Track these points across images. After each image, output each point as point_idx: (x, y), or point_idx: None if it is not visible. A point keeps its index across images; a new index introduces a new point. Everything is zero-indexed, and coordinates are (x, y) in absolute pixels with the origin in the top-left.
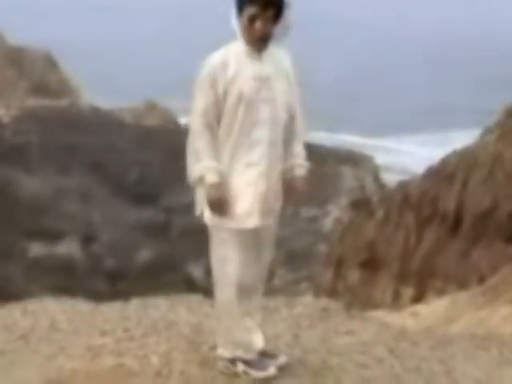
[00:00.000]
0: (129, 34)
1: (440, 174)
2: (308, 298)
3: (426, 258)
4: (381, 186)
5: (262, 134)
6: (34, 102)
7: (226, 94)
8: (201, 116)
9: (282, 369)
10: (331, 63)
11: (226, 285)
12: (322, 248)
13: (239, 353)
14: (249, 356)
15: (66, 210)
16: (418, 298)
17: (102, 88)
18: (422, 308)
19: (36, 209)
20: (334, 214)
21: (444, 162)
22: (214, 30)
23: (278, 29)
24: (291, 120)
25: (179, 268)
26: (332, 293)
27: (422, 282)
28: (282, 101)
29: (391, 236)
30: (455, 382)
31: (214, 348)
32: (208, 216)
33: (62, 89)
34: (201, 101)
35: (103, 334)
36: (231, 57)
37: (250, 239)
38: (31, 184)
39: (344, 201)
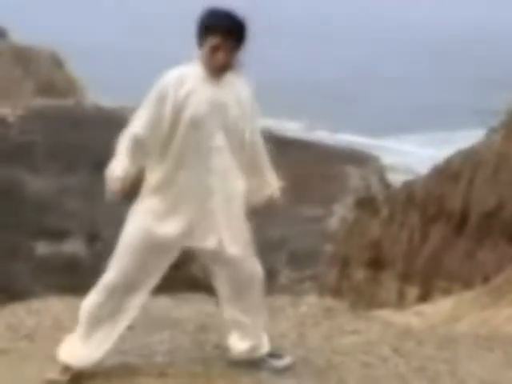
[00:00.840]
0: (130, 33)
1: (445, 173)
2: (313, 298)
3: (431, 258)
4: (386, 185)
5: (216, 159)
6: (39, 101)
7: (177, 112)
8: (135, 126)
9: (286, 368)
10: (331, 63)
11: None
12: (327, 247)
13: None
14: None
15: (71, 208)
16: (423, 298)
17: (104, 87)
18: (426, 307)
19: (41, 208)
20: (340, 213)
21: (449, 161)
22: None
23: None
24: (248, 148)
25: (183, 267)
26: (337, 292)
27: (426, 281)
28: (235, 129)
29: (396, 235)
30: (460, 381)
31: (217, 346)
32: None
33: (68, 88)
34: (142, 113)
35: None
36: (188, 77)
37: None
38: (36, 183)
39: (349, 200)
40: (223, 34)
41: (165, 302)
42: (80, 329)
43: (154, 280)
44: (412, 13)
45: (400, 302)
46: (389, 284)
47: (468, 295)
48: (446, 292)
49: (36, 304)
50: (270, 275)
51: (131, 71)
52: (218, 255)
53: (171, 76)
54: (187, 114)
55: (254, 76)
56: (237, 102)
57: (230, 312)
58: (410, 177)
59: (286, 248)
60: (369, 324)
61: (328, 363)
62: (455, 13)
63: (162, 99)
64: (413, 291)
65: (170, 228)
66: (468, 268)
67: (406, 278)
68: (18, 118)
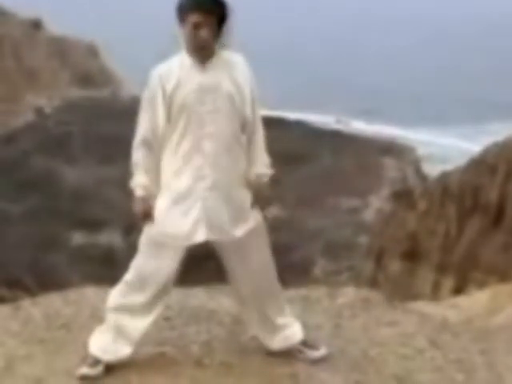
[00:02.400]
0: (171, 23)
1: (481, 165)
2: (349, 289)
3: (467, 250)
4: (422, 177)
5: (209, 146)
6: (76, 92)
7: (170, 105)
8: (140, 131)
9: (322, 359)
10: (359, 54)
11: None
12: (363, 239)
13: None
14: None
15: (108, 199)
16: (458, 290)
17: (142, 78)
18: (462, 300)
19: (78, 198)
20: (376, 205)
21: (485, 153)
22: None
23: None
24: (244, 129)
25: (217, 258)
26: (373, 283)
27: (462, 273)
28: (230, 111)
29: (432, 227)
30: (497, 374)
31: (253, 338)
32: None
33: (104, 79)
34: (142, 116)
35: None
36: (174, 68)
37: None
38: (73, 174)
39: (385, 192)
40: (202, 11)
41: (201, 294)
42: (107, 323)
43: (171, 276)
44: (441, 5)
45: (435, 294)
46: (424, 276)
47: (505, 288)
48: (482, 284)
49: (73, 294)
50: (307, 266)
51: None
52: (222, 244)
53: (156, 73)
54: (176, 105)
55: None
56: (232, 82)
57: (251, 306)
58: (445, 168)
59: (322, 239)
60: (405, 316)
61: (364, 355)
62: (480, 4)
63: (152, 98)
64: (448, 283)
65: (176, 226)
66: (504, 261)
67: (441, 270)
68: (55, 109)
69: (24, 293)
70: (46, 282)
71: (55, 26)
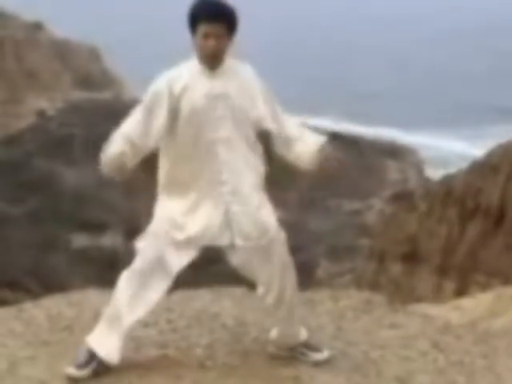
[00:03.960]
0: (175, 27)
1: (484, 167)
2: (352, 291)
3: (469, 252)
4: (424, 179)
5: (224, 151)
6: (78, 94)
7: (175, 109)
8: (125, 126)
9: (325, 361)
10: (364, 51)
11: None
12: (366, 241)
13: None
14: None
15: (110, 201)
16: (460, 292)
17: (144, 81)
18: (465, 302)
19: (80, 200)
20: (378, 207)
21: (488, 155)
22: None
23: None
24: (275, 127)
25: (223, 259)
26: (374, 286)
27: (464, 275)
28: (240, 117)
29: (434, 229)
30: (498, 376)
31: (257, 340)
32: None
33: (106, 81)
34: (134, 115)
35: (146, 325)
36: (183, 74)
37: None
38: (75, 176)
39: (388, 194)
40: (212, 21)
41: (205, 296)
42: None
43: (171, 277)
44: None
45: (437, 296)
46: (426, 278)
47: (507, 290)
48: (484, 287)
49: (75, 296)
50: (309, 268)
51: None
52: (232, 250)
53: (164, 77)
54: (185, 110)
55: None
56: (240, 89)
57: (279, 308)
58: (444, 171)
59: (325, 241)
60: (408, 318)
61: (366, 357)
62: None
63: (155, 100)
64: (450, 285)
65: (186, 231)
66: (506, 263)
67: (443, 272)
68: (57, 111)
69: (26, 295)
70: (48, 284)
71: (57, 28)
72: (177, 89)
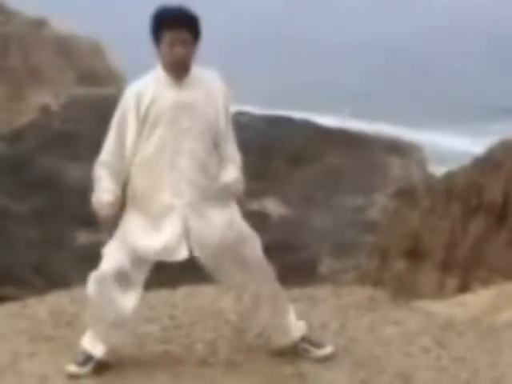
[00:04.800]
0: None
1: (486, 164)
2: (355, 288)
3: (472, 249)
4: (427, 175)
5: (185, 162)
6: (81, 90)
7: (144, 121)
8: (103, 152)
9: (327, 358)
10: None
11: None
12: (369, 237)
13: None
14: None
15: None
16: (463, 289)
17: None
18: (468, 298)
19: (83, 197)
20: (381, 203)
21: (490, 152)
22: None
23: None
24: (218, 145)
25: None
26: (377, 282)
27: (467, 272)
28: (204, 128)
29: (436, 226)
30: (501, 372)
31: (259, 336)
32: None
33: (110, 77)
34: (109, 135)
35: (149, 321)
36: (150, 84)
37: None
38: (79, 172)
39: (390, 190)
40: (177, 28)
41: (207, 292)
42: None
43: (143, 276)
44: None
45: (440, 293)
46: (429, 274)
47: (510, 286)
48: (487, 283)
49: (79, 292)
50: (313, 265)
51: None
52: (212, 257)
53: (130, 91)
54: (153, 120)
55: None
56: (207, 98)
57: (260, 306)
58: (445, 168)
59: (328, 238)
60: (411, 314)
61: (369, 353)
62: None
63: (123, 119)
64: (453, 282)
65: (157, 242)
66: (509, 259)
67: (446, 268)
68: (61, 107)
69: (30, 291)
70: (51, 280)
71: (61, 24)
72: (145, 101)
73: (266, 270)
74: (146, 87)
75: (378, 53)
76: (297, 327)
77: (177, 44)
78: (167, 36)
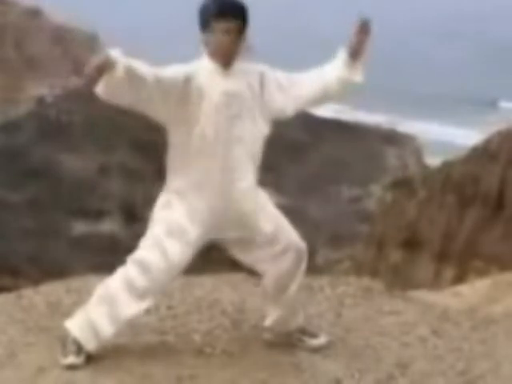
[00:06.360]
0: (177, 15)
1: (483, 155)
2: (351, 278)
3: (468, 239)
4: (423, 166)
5: (238, 150)
6: (77, 81)
7: (186, 103)
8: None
9: (323, 348)
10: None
11: None
12: (365, 228)
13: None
14: None
15: (110, 188)
16: (459, 279)
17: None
18: (464, 288)
19: (79, 187)
20: (377, 194)
21: (487, 142)
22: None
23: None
24: (293, 86)
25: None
26: (374, 272)
27: (463, 262)
28: (250, 117)
29: (433, 216)
30: (496, 362)
31: (256, 327)
32: None
33: None
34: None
35: (146, 311)
36: (197, 73)
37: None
38: (74, 163)
39: (387, 181)
40: (231, 17)
41: (204, 283)
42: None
43: (176, 271)
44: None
45: (436, 283)
46: (425, 264)
47: (505, 277)
48: (483, 273)
49: (75, 282)
50: (309, 255)
51: (175, 52)
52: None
53: (184, 69)
54: (204, 108)
55: None
56: (250, 89)
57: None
58: (446, 157)
59: (324, 228)
60: (407, 305)
61: (366, 343)
62: None
63: (183, 77)
64: (449, 272)
65: (195, 227)
66: (504, 249)
67: (442, 258)
68: (57, 98)
69: (26, 281)
70: (48, 270)
71: (56, 14)
72: (192, 90)
73: (302, 261)
74: (196, 72)
75: (375, 44)
76: (300, 316)
77: (229, 34)
78: (220, 25)
